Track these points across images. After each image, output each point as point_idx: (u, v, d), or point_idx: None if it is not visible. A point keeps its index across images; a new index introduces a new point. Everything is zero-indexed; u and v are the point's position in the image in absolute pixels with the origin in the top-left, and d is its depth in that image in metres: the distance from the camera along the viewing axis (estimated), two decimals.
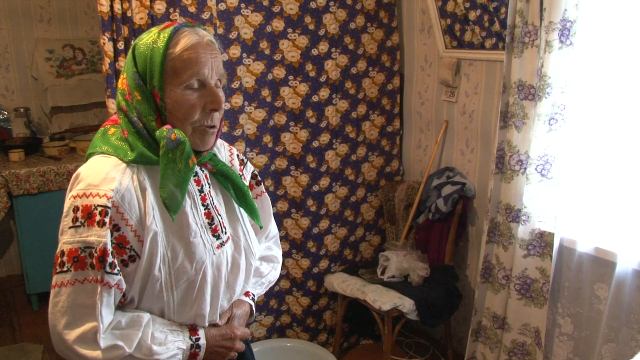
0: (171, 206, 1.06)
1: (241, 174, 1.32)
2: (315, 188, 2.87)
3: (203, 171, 1.20)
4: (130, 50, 1.12)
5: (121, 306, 1.12)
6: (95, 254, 1.01)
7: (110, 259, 1.02)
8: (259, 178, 1.42)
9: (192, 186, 1.16)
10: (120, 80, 1.14)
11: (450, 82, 2.73)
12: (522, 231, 2.18)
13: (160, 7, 2.31)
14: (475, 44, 2.58)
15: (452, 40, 2.71)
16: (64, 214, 1.05)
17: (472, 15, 2.53)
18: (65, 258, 1.03)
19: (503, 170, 2.25)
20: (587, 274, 2.10)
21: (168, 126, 1.06)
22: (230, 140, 2.60)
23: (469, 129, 2.70)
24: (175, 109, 1.08)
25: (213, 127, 1.13)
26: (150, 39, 1.09)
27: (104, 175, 1.05)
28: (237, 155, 1.36)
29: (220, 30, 2.49)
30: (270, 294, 2.89)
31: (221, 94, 1.12)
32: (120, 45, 2.25)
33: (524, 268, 2.21)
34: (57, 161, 3.46)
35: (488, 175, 2.47)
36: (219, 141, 1.31)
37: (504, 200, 2.25)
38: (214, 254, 1.16)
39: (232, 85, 2.56)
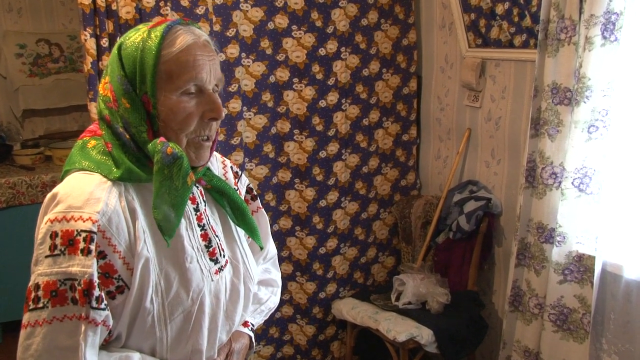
0: (166, 229, 1.03)
1: (236, 187, 1.31)
2: (322, 203, 2.85)
3: (197, 187, 1.18)
4: (114, 51, 1.09)
5: (106, 344, 1.07)
6: (79, 287, 0.97)
7: (97, 292, 0.98)
8: (255, 192, 1.40)
9: (187, 205, 1.13)
10: (101, 85, 1.10)
11: (473, 85, 2.68)
12: (556, 253, 2.11)
13: (149, 0, 2.27)
14: (503, 41, 2.53)
15: (476, 37, 2.67)
16: (38, 241, 1.00)
17: (500, 8, 2.48)
18: (40, 292, 0.97)
19: (534, 184, 2.20)
20: (637, 305, 1.99)
21: (162, 139, 1.03)
22: (228, 149, 2.59)
23: (495, 138, 2.65)
24: (170, 118, 1.05)
25: (209, 139, 1.12)
26: (140, 37, 1.06)
27: (87, 195, 1.01)
28: (231, 167, 1.35)
29: (217, 27, 2.47)
30: (270, 321, 2.86)
31: (219, 100, 1.10)
32: (104, 42, 2.22)
33: (559, 296, 2.13)
34: (29, 171, 3.35)
35: (517, 190, 2.41)
36: None
37: (536, 218, 2.19)
38: (212, 280, 1.14)
39: (230, 89, 2.54)
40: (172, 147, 1.02)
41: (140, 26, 1.10)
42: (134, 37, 1.07)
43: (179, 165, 1.03)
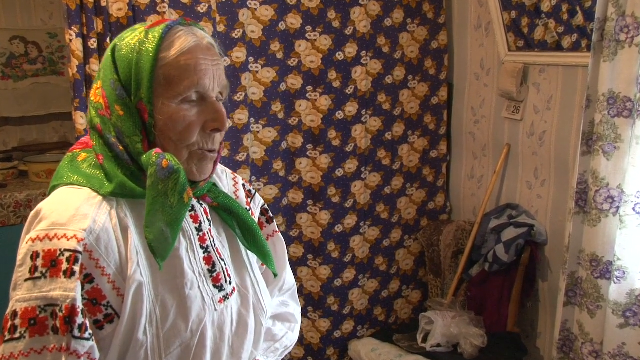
0: (159, 251, 1.02)
1: (248, 208, 1.31)
2: (339, 229, 2.84)
3: (201, 205, 1.18)
4: (108, 53, 1.11)
5: None
6: (60, 314, 0.96)
7: (80, 319, 0.97)
8: (271, 214, 1.40)
9: (188, 223, 1.14)
10: (93, 91, 1.12)
11: (514, 94, 2.65)
12: (615, 291, 2.02)
13: None
14: (549, 43, 2.48)
15: (517, 39, 2.63)
16: (18, 263, 1.00)
17: (546, 5, 2.44)
18: (18, 321, 0.96)
19: (586, 209, 2.11)
20: None
21: (157, 150, 1.04)
22: (232, 166, 2.59)
23: (539, 155, 2.60)
24: (169, 128, 1.06)
25: (213, 151, 1.13)
26: (136, 38, 1.08)
27: (74, 211, 1.01)
28: (244, 185, 1.35)
29: (221, 28, 2.47)
30: None
31: (224, 110, 1.12)
32: (92, 43, 2.22)
33: (620, 342, 2.02)
34: (0, 189, 3.30)
35: (565, 216, 2.34)
36: (220, 167, 1.31)
37: (588, 249, 2.11)
38: (216, 309, 1.13)
39: (236, 98, 2.53)
40: (169, 160, 1.02)
41: (136, 26, 1.11)
42: (130, 38, 1.08)
43: (175, 180, 1.02)
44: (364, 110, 2.79)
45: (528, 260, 2.53)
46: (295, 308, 1.45)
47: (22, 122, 3.86)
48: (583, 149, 2.11)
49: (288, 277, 1.43)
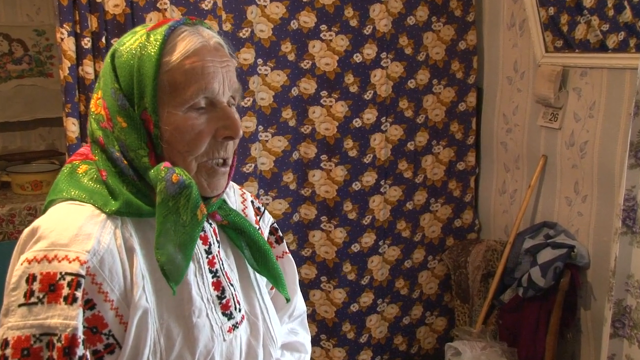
0: (172, 274, 1.02)
1: (257, 227, 1.30)
2: (355, 248, 2.82)
3: (210, 224, 1.18)
4: (107, 59, 1.10)
5: None
6: (59, 344, 0.94)
7: (80, 350, 0.95)
8: (280, 234, 1.40)
9: (197, 245, 1.14)
10: (93, 102, 1.12)
11: (551, 99, 2.62)
12: None
13: None
14: (592, 43, 2.46)
15: (555, 38, 2.61)
16: (10, 286, 0.98)
17: (589, 0, 2.42)
18: (9, 351, 0.95)
19: (635, 229, 2.06)
20: None
21: (166, 163, 1.04)
22: (239, 179, 2.57)
23: (580, 168, 2.58)
24: (176, 139, 1.06)
25: (225, 163, 1.13)
26: (137, 42, 1.07)
27: (76, 230, 1.00)
28: (252, 202, 1.34)
29: (227, 26, 2.47)
30: None
31: (236, 115, 1.10)
32: (86, 42, 2.22)
33: None
34: None
35: (610, 236, 2.32)
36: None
37: (638, 274, 2.06)
38: (224, 340, 1.12)
39: (243, 103, 2.54)
40: (179, 174, 1.02)
41: (137, 29, 1.11)
42: (130, 42, 1.08)
43: (187, 195, 1.02)
44: (384, 118, 2.78)
45: (568, 286, 2.49)
46: (305, 337, 1.43)
47: (5, 127, 3.85)
48: (631, 162, 2.07)
49: (299, 303, 1.42)
